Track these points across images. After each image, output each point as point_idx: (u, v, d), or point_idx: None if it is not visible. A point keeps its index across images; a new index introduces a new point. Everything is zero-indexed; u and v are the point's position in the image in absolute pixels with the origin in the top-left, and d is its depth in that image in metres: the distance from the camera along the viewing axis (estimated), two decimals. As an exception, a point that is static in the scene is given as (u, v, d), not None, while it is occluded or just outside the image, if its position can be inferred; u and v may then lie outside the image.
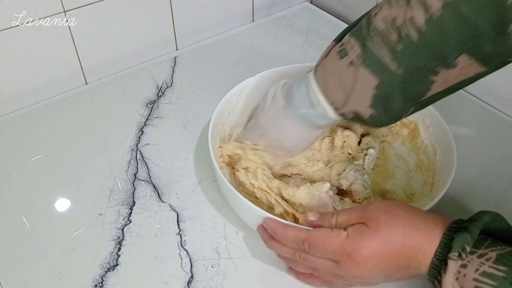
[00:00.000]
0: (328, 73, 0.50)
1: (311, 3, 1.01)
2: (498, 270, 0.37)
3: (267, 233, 0.50)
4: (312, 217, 0.47)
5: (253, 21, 0.95)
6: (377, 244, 0.42)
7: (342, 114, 0.51)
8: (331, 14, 0.97)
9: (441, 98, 0.48)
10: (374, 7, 0.48)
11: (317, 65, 0.52)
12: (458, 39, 0.42)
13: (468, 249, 0.39)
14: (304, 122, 0.54)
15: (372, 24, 0.46)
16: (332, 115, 0.51)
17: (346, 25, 0.91)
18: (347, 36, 0.49)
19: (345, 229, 0.44)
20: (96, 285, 0.52)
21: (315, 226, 0.46)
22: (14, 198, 0.62)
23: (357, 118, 0.50)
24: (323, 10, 0.98)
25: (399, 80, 0.46)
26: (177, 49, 0.88)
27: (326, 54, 0.51)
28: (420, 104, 0.48)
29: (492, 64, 0.43)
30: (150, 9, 0.80)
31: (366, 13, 0.49)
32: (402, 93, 0.47)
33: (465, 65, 0.43)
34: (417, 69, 0.45)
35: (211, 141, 0.56)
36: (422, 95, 0.47)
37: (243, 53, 0.87)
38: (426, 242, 0.41)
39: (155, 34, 0.83)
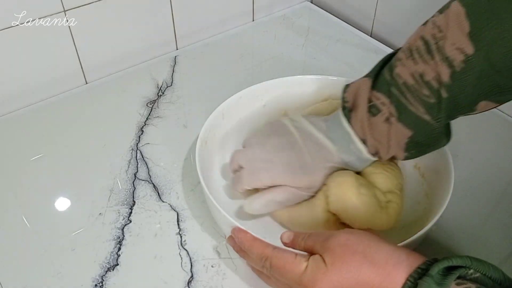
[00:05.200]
0: (365, 128, 0.51)
1: (312, 2, 1.00)
2: None
3: (236, 243, 0.49)
4: (286, 239, 0.47)
5: (253, 20, 0.95)
6: (331, 280, 0.40)
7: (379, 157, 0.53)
8: (331, 14, 0.96)
9: None
10: (394, 58, 0.50)
11: (350, 110, 0.53)
12: (479, 91, 0.44)
13: None
14: (332, 168, 0.55)
15: (400, 78, 0.48)
16: (371, 159, 0.54)
17: (346, 25, 0.93)
18: (374, 92, 0.50)
19: (308, 257, 0.43)
20: (96, 285, 0.52)
21: (288, 247, 0.46)
22: (14, 198, 0.62)
23: (392, 159, 0.54)
24: (323, 9, 0.98)
25: (430, 128, 0.48)
26: (177, 49, 0.88)
27: (354, 100, 0.53)
28: None
29: (509, 100, 0.46)
30: (150, 9, 0.80)
31: (383, 63, 0.51)
32: (431, 137, 0.49)
33: (483, 107, 0.46)
34: (445, 117, 0.47)
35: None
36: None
37: (243, 52, 0.87)
38: (384, 282, 0.39)
39: (155, 34, 0.83)
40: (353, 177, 0.53)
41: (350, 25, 0.93)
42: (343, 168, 0.55)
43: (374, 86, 0.50)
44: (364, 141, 0.52)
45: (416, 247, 0.49)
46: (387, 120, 0.49)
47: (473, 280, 0.37)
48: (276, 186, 0.54)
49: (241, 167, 0.56)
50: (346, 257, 0.41)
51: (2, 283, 0.52)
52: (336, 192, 0.52)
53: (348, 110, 0.53)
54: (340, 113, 0.54)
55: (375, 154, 0.52)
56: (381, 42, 0.88)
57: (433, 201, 0.54)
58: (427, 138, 0.49)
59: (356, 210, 0.52)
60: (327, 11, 0.97)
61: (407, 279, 0.38)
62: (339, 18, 0.95)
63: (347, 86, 0.54)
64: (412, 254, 0.40)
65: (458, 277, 0.37)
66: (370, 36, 0.91)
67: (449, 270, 0.38)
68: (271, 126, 0.59)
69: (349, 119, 0.53)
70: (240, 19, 0.93)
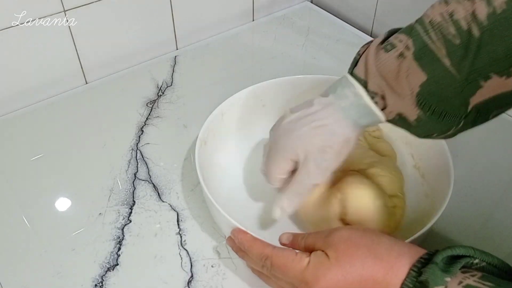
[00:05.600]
0: (370, 67, 0.45)
1: (312, 2, 1.01)
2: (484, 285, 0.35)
3: (236, 244, 0.49)
4: (285, 240, 0.46)
5: (253, 20, 0.95)
6: (335, 274, 0.40)
7: (385, 113, 0.46)
8: (331, 14, 0.96)
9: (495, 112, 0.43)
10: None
11: (354, 65, 0.48)
12: None
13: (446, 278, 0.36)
14: (347, 117, 0.48)
15: (427, 18, 0.42)
16: (376, 111, 0.46)
17: (346, 25, 0.93)
18: (395, 34, 0.45)
19: (309, 254, 0.42)
20: (96, 285, 0.52)
21: (288, 247, 0.46)
22: (14, 198, 0.62)
23: (402, 121, 0.46)
24: (323, 9, 0.98)
25: (447, 77, 0.41)
26: (177, 49, 0.88)
27: (361, 53, 0.48)
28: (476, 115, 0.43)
29: None
30: (150, 9, 0.80)
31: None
32: (447, 91, 0.42)
33: None
34: (469, 72, 0.40)
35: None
36: (465, 100, 0.42)
37: (243, 52, 0.87)
38: (388, 274, 0.38)
39: (155, 34, 0.83)
40: (370, 187, 0.53)
41: (350, 25, 0.93)
42: (348, 120, 0.48)
43: (398, 32, 0.45)
44: (365, 83, 0.46)
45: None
46: (401, 55, 0.43)
47: (479, 270, 0.37)
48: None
49: (297, 162, 0.51)
50: (350, 251, 0.40)
51: (2, 283, 0.52)
52: (354, 205, 0.52)
53: (356, 60, 0.48)
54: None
55: (378, 95, 0.46)
56: (381, 42, 0.88)
57: (433, 201, 0.54)
58: (443, 91, 0.42)
59: (371, 223, 0.51)
60: (327, 11, 0.97)
61: (411, 269, 0.38)
62: (339, 18, 0.95)
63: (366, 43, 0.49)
64: (413, 247, 0.40)
65: (463, 267, 0.37)
66: (370, 36, 0.91)
67: (454, 260, 0.38)
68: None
69: (351, 69, 0.48)
70: (240, 19, 0.93)
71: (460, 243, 0.56)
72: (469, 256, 0.37)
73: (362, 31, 0.91)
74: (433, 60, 0.42)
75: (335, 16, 0.96)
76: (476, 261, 0.37)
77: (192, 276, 0.53)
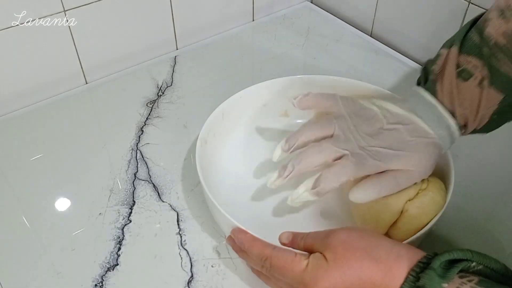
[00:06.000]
0: (454, 96, 0.48)
1: (312, 2, 1.01)
2: None
3: (236, 244, 0.49)
4: (285, 239, 0.46)
5: (253, 20, 0.95)
6: (333, 277, 0.40)
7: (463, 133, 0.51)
8: (331, 14, 0.96)
9: None
10: (480, 19, 0.47)
11: (434, 81, 0.50)
12: None
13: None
14: (435, 145, 0.50)
15: (491, 39, 0.46)
16: (456, 136, 0.51)
17: (346, 25, 0.93)
18: (462, 56, 0.48)
19: (308, 255, 0.42)
20: (96, 285, 0.52)
21: (288, 247, 0.46)
22: (14, 198, 0.62)
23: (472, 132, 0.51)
24: (323, 9, 0.98)
25: None
26: (177, 49, 0.88)
27: (441, 69, 0.50)
28: None
29: None
30: (150, 9, 0.80)
31: (470, 25, 0.48)
32: None
33: None
34: None
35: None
36: None
37: (243, 52, 0.87)
38: (386, 277, 0.39)
39: (155, 34, 0.83)
40: (433, 200, 0.51)
41: (350, 25, 0.93)
42: (439, 144, 0.50)
43: (462, 50, 0.48)
44: (452, 113, 0.49)
45: (416, 247, 0.49)
46: (480, 83, 0.47)
47: (476, 273, 0.37)
48: (382, 173, 0.50)
49: (336, 159, 0.51)
50: (348, 253, 0.40)
51: (2, 283, 0.52)
52: (416, 216, 0.50)
53: (432, 82, 0.50)
54: (419, 89, 0.51)
55: (463, 126, 0.49)
56: (381, 42, 0.88)
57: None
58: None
59: (416, 231, 0.50)
60: (327, 11, 0.97)
61: (409, 273, 0.38)
62: (339, 18, 0.95)
63: (429, 60, 0.51)
64: (411, 249, 0.40)
65: (461, 270, 0.37)
66: (370, 36, 0.91)
67: (451, 263, 0.38)
68: (351, 109, 0.54)
69: (434, 92, 0.50)
70: (240, 19, 0.93)
71: (460, 243, 0.56)
72: (467, 260, 0.37)
73: (362, 31, 0.91)
74: (508, 81, 0.46)
75: (335, 16, 0.96)
76: (473, 264, 0.37)
77: (192, 276, 0.53)
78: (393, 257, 0.39)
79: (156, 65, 0.84)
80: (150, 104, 0.75)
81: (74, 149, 0.68)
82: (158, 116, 0.73)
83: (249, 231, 0.47)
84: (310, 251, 0.43)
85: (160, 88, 0.79)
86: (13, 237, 0.57)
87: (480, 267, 0.37)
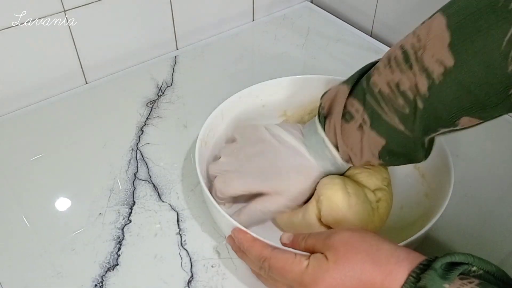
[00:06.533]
0: (338, 134, 0.51)
1: (312, 2, 1.01)
2: None
3: (236, 243, 0.49)
4: (285, 240, 0.47)
5: (253, 20, 0.95)
6: (334, 278, 0.40)
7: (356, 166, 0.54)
8: (331, 14, 0.96)
9: None
10: (372, 67, 0.49)
11: (325, 116, 0.53)
12: (459, 106, 0.42)
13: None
14: (321, 167, 0.54)
15: (376, 87, 0.47)
16: (345, 165, 0.54)
17: (346, 25, 0.93)
18: (350, 99, 0.50)
19: (309, 256, 0.43)
20: (96, 285, 0.52)
21: (288, 247, 0.45)
22: (14, 198, 0.62)
23: (370, 164, 0.53)
24: (323, 9, 0.98)
25: (404, 138, 0.47)
26: (177, 49, 0.88)
27: (330, 105, 0.52)
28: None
29: (493, 117, 0.43)
30: (150, 9, 0.80)
31: (362, 71, 0.51)
32: (406, 147, 0.48)
33: (466, 122, 0.44)
34: (422, 130, 0.46)
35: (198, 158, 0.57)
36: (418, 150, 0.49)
37: (243, 52, 0.87)
38: (386, 280, 0.39)
39: (155, 34, 0.83)
40: (342, 188, 0.52)
41: (350, 25, 0.93)
42: (321, 175, 0.54)
43: (351, 93, 0.50)
44: (336, 147, 0.52)
45: (416, 247, 0.49)
46: (360, 127, 0.49)
47: (476, 278, 0.37)
48: (259, 196, 0.54)
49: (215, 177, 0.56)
50: (350, 255, 0.40)
51: (2, 283, 0.52)
52: (327, 206, 0.52)
53: (324, 116, 0.53)
54: (316, 119, 0.54)
55: (347, 160, 0.52)
56: (381, 42, 0.88)
57: (433, 201, 0.54)
58: (402, 148, 0.49)
59: (348, 222, 0.51)
60: (327, 11, 0.97)
61: (410, 275, 0.38)
62: (339, 18, 0.95)
63: (325, 92, 0.54)
64: (412, 253, 0.40)
65: (461, 274, 0.37)
66: (370, 36, 0.91)
67: (452, 266, 0.38)
68: (245, 134, 0.59)
69: (323, 125, 0.53)
70: (240, 19, 0.93)
71: (459, 243, 0.56)
72: (467, 264, 0.37)
73: (362, 31, 0.92)
74: (389, 127, 0.47)
75: (335, 16, 0.96)
76: (474, 268, 0.37)
77: (192, 276, 0.53)
78: (394, 260, 0.40)
79: (156, 65, 0.84)
80: (150, 104, 0.75)
81: (74, 149, 0.68)
82: (158, 116, 0.73)
83: (248, 231, 0.47)
84: (311, 252, 0.43)
85: (160, 88, 0.79)
86: (13, 237, 0.57)
87: (481, 272, 0.37)
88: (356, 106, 0.49)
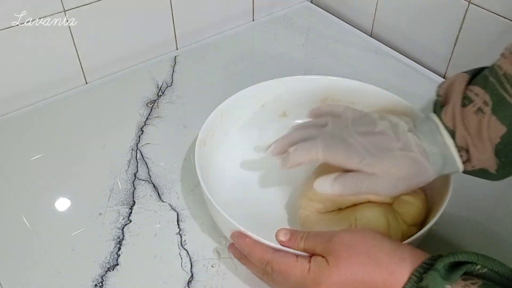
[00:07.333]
0: (456, 117, 0.47)
1: (312, 2, 1.00)
2: None
3: (238, 250, 0.48)
4: (282, 237, 0.45)
5: (253, 20, 0.95)
6: (336, 281, 0.40)
7: (467, 166, 0.48)
8: (331, 14, 0.96)
9: None
10: (497, 60, 0.46)
11: (442, 105, 0.49)
12: None
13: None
14: (433, 164, 0.48)
15: (501, 69, 0.44)
16: (460, 165, 0.48)
17: (346, 25, 0.93)
18: (469, 86, 0.47)
19: (310, 259, 0.42)
20: (96, 285, 0.52)
21: (285, 246, 0.45)
22: (14, 198, 0.62)
23: (483, 173, 0.48)
24: (323, 9, 0.98)
25: None
26: (177, 49, 0.88)
27: (448, 87, 0.49)
28: None
29: None
30: (150, 9, 0.80)
31: (482, 68, 0.48)
32: None
33: None
34: None
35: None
36: None
37: (243, 52, 0.87)
38: (388, 280, 0.39)
39: (155, 34, 0.83)
40: (384, 222, 0.51)
41: (350, 25, 0.93)
42: (421, 164, 0.48)
43: (470, 82, 0.48)
44: (453, 133, 0.47)
45: (416, 247, 0.49)
46: (479, 110, 0.45)
47: (480, 276, 0.37)
48: (350, 172, 0.49)
49: (314, 137, 0.51)
50: (351, 258, 0.40)
51: (2, 283, 0.52)
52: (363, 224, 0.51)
53: (440, 105, 0.50)
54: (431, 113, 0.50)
55: (463, 149, 0.47)
56: (381, 42, 0.88)
57: (433, 201, 0.54)
58: None
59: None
60: (327, 11, 0.97)
61: (412, 274, 0.38)
62: (339, 18, 0.95)
63: (442, 82, 0.51)
64: (415, 251, 0.40)
65: (465, 273, 0.37)
66: (370, 36, 0.91)
67: (455, 266, 0.37)
68: (351, 113, 0.54)
69: (439, 112, 0.49)
70: (240, 19, 0.93)
71: (460, 243, 0.56)
72: (471, 263, 0.37)
73: (362, 31, 0.91)
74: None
75: (335, 16, 0.96)
76: (478, 267, 0.37)
77: (192, 276, 0.53)
78: (395, 260, 0.39)
79: (156, 65, 0.84)
80: (150, 104, 0.75)
81: (74, 149, 0.68)
82: (158, 116, 0.73)
83: (248, 231, 0.47)
84: (311, 253, 0.43)
85: (160, 88, 0.79)
86: (13, 237, 0.57)
87: (485, 270, 0.37)
88: (475, 91, 0.46)
